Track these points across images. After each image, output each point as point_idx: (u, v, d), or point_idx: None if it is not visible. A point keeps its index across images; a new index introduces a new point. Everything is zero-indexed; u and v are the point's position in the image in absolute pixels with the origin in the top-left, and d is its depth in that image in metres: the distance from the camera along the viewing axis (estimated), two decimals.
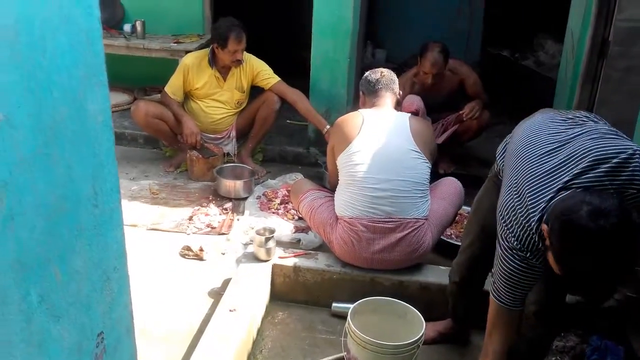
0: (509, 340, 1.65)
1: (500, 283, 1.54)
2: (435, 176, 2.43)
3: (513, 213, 1.46)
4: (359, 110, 2.43)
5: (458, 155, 3.50)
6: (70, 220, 0.63)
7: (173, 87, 3.27)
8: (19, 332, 0.53)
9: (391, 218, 2.22)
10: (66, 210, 0.62)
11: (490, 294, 1.60)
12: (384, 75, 2.42)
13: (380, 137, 2.28)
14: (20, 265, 0.54)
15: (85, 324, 0.64)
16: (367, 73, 2.47)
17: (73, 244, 0.63)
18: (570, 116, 1.58)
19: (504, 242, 1.49)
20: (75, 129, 0.65)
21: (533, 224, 1.38)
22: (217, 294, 2.27)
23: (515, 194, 1.47)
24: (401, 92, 2.49)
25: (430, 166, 2.35)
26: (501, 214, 1.52)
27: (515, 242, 1.44)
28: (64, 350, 0.60)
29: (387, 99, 2.40)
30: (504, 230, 1.49)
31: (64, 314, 0.60)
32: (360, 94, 2.49)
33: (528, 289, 1.55)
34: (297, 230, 2.70)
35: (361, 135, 2.29)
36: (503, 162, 1.70)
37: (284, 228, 2.69)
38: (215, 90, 3.31)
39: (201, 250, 2.53)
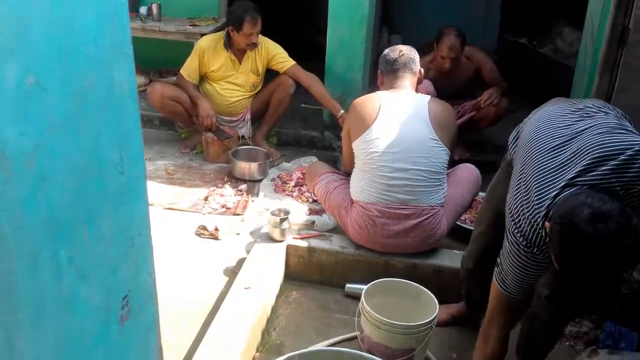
0: (511, 326, 1.66)
1: (507, 274, 1.54)
2: (450, 162, 2.41)
3: (521, 208, 1.46)
4: (377, 92, 2.38)
5: (474, 142, 3.49)
6: (98, 185, 0.65)
7: (189, 69, 3.29)
8: (49, 289, 0.55)
9: (406, 205, 2.21)
10: (94, 175, 0.64)
11: (495, 281, 1.60)
12: (403, 54, 2.33)
13: (397, 124, 2.23)
14: (51, 225, 0.55)
15: (111, 286, 0.66)
16: (386, 51, 2.39)
17: (100, 208, 0.65)
18: (581, 106, 1.56)
19: (511, 236, 1.49)
20: (103, 96, 0.66)
21: (539, 220, 1.37)
22: (232, 273, 2.30)
23: (524, 189, 1.46)
24: (422, 71, 2.43)
25: (449, 153, 2.30)
26: (509, 209, 1.52)
27: (522, 239, 1.44)
28: (92, 309, 0.62)
29: (406, 80, 2.33)
30: (511, 226, 1.49)
31: (92, 275, 0.62)
32: (379, 73, 2.42)
33: (534, 280, 1.55)
34: (311, 212, 2.72)
35: (378, 122, 2.24)
36: (515, 150, 1.69)
37: (298, 210, 2.70)
38: (230, 73, 3.32)
39: (216, 229, 2.56)
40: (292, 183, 2.99)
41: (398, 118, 2.26)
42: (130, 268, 0.72)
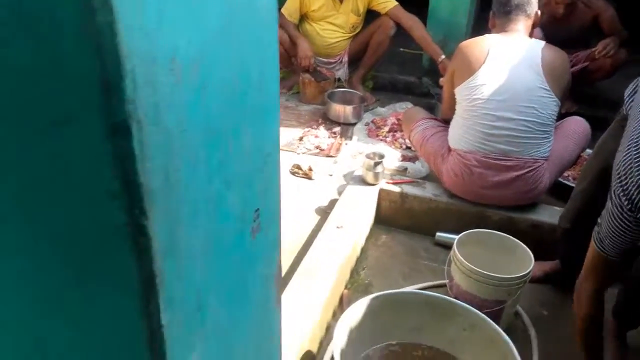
0: (604, 287, 1.58)
1: (605, 235, 1.45)
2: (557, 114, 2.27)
3: (629, 170, 1.35)
4: (486, 35, 2.26)
5: (585, 94, 3.24)
6: (242, 101, 0.67)
7: (289, 9, 3.28)
8: (202, 190, 0.59)
9: (508, 157, 2.12)
10: (239, 90, 0.66)
11: (593, 239, 1.52)
12: None
13: (506, 71, 2.11)
14: (206, 132, 0.58)
15: (247, 198, 0.70)
16: None
17: (243, 122, 0.67)
18: None
19: (615, 198, 1.39)
20: (248, 18, 0.67)
21: None
22: (323, 212, 2.35)
23: (635, 150, 1.35)
24: (539, 13, 2.25)
25: (560, 104, 2.16)
26: (617, 169, 1.41)
27: (627, 202, 1.33)
28: (232, 216, 0.66)
29: (520, 24, 2.19)
30: (617, 187, 1.39)
31: (234, 184, 0.65)
32: (491, 15, 2.28)
33: (634, 244, 1.45)
34: (404, 159, 2.69)
35: (486, 67, 2.13)
36: (631, 106, 1.56)
37: (391, 156, 2.69)
38: (331, 13, 3.28)
39: (310, 169, 2.61)
40: (386, 128, 2.97)
41: (507, 64, 2.14)
42: (261, 184, 0.75)
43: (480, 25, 3.46)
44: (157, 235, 0.51)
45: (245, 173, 0.70)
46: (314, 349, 1.71)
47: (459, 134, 2.22)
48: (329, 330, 1.81)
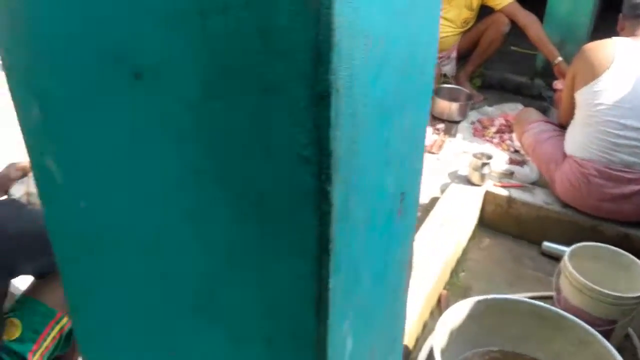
0: None
1: None
2: None
3: None
4: (613, 38, 2.12)
5: None
6: (409, 81, 0.67)
7: None
8: (370, 164, 0.60)
9: (631, 169, 1.98)
10: (408, 70, 0.66)
11: None
12: None
13: (633, 77, 1.96)
14: (381, 108, 0.59)
15: (397, 180, 0.70)
16: None
17: (406, 103, 0.67)
18: None
19: None
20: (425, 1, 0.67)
21: None
22: (424, 209, 2.31)
23: None
24: None
25: None
26: None
27: None
28: (386, 194, 0.66)
29: None
30: None
31: (392, 162, 0.66)
32: (620, 17, 2.14)
33: None
34: (512, 162, 2.59)
35: (611, 71, 1.99)
36: None
37: (498, 158, 2.59)
38: (442, 7, 3.20)
39: None
40: (494, 129, 2.86)
41: (635, 70, 1.99)
42: (410, 167, 0.75)
43: (601, 27, 3.24)
44: (336, 201, 0.52)
45: (401, 154, 0.70)
46: (411, 345, 1.69)
47: (578, 140, 2.09)
48: (425, 329, 1.79)
